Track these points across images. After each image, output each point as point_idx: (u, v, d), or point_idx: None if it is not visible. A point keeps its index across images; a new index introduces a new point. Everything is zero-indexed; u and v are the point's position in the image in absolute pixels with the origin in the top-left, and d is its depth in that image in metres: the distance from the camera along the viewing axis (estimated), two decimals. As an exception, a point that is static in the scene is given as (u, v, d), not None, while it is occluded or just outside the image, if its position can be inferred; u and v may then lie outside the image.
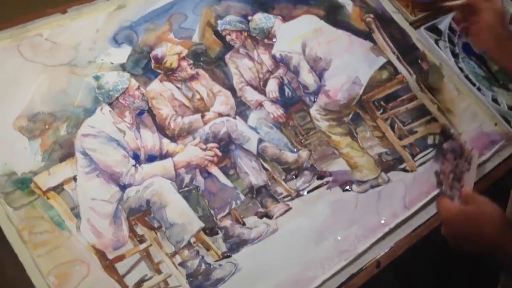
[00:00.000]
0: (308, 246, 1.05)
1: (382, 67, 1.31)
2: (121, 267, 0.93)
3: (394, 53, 1.34)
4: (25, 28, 1.08)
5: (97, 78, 1.08)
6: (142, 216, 0.99)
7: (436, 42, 1.43)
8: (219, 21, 1.24)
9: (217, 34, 1.23)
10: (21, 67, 1.04)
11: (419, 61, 1.37)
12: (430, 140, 1.26)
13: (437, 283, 1.54)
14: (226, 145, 1.11)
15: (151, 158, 1.05)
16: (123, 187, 1.00)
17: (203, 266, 0.97)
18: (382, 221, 1.12)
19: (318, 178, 1.14)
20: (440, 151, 1.03)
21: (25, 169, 0.96)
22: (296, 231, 1.06)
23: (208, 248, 1.00)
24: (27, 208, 0.93)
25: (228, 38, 1.23)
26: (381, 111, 1.27)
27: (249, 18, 1.28)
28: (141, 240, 0.97)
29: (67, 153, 1.00)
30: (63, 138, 1.01)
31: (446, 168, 1.01)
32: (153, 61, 1.14)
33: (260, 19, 1.28)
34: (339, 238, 1.08)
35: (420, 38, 1.42)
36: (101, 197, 0.98)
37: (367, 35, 1.36)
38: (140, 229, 0.98)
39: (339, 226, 1.09)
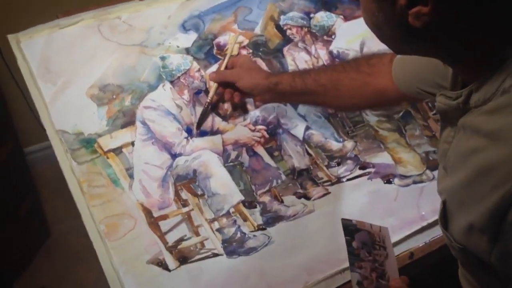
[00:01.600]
0: (341, 230, 1.08)
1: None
2: (164, 225, 1.03)
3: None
4: (107, 11, 1.22)
5: (163, 58, 1.19)
6: (187, 183, 1.08)
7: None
8: (282, 16, 1.32)
9: (279, 28, 1.31)
10: (99, 44, 1.18)
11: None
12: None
13: None
14: (274, 128, 1.18)
15: (202, 133, 1.14)
16: (174, 156, 1.10)
17: (239, 235, 1.04)
18: (421, 215, 1.13)
19: (360, 168, 1.17)
20: (352, 254, 0.93)
21: (91, 131, 1.08)
22: (331, 214, 1.11)
23: (245, 219, 1.07)
24: (89, 164, 1.05)
25: (288, 32, 1.31)
26: (434, 112, 1.28)
27: (311, 15, 1.34)
28: (184, 204, 1.06)
29: (128, 121, 1.11)
30: (127, 108, 1.12)
31: (366, 270, 0.92)
32: (215, 48, 1.24)
33: (322, 17, 1.34)
34: (373, 226, 1.10)
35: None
36: (153, 162, 1.08)
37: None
38: (184, 194, 1.07)
39: (376, 215, 1.12)
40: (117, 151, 1.08)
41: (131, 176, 1.06)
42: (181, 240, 1.02)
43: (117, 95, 1.13)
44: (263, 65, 1.25)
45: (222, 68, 1.15)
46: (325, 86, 1.06)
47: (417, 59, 0.95)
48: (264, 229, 1.06)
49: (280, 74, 1.12)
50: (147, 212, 1.03)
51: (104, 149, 1.07)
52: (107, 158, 1.07)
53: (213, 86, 1.13)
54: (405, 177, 1.18)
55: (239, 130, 1.16)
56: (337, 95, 1.07)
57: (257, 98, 1.13)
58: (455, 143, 0.72)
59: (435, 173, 1.19)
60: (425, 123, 1.26)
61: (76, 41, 1.18)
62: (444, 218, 0.75)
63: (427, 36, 0.63)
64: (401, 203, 1.15)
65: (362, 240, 0.92)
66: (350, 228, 0.92)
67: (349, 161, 1.18)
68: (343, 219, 0.93)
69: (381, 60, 1.05)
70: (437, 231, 1.13)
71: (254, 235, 1.05)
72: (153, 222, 1.02)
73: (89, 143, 1.07)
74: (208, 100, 1.13)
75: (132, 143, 1.09)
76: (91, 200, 1.02)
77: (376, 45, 1.30)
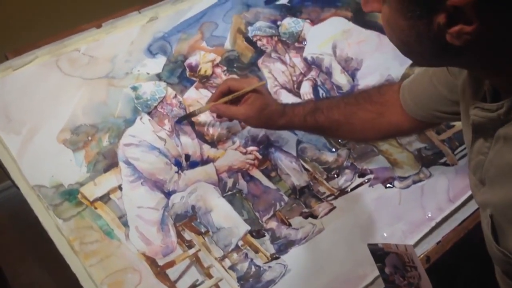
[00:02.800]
0: (355, 244, 1.04)
1: (413, 64, 1.30)
2: (172, 273, 0.93)
3: (424, 49, 1.33)
4: (62, 44, 1.10)
5: (134, 88, 1.09)
6: (188, 221, 0.99)
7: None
8: (249, 28, 1.25)
9: (248, 40, 1.24)
10: (61, 81, 1.06)
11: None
12: (468, 133, 1.24)
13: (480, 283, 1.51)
14: (265, 148, 1.11)
15: (192, 164, 1.05)
16: (167, 194, 1.00)
17: (253, 269, 0.97)
18: (428, 216, 1.10)
19: (359, 176, 1.13)
20: (387, 281, 0.91)
21: (71, 181, 0.97)
22: (341, 229, 1.06)
23: (256, 251, 0.99)
24: (76, 218, 0.94)
25: (259, 43, 1.24)
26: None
27: (279, 23, 1.29)
28: (190, 245, 0.97)
29: (110, 163, 1.00)
30: (106, 149, 1.01)
31: None
32: (187, 70, 1.15)
33: (289, 24, 1.29)
34: (385, 234, 1.07)
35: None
36: (147, 204, 0.98)
37: (396, 33, 1.36)
38: (187, 235, 0.98)
39: (384, 223, 1.08)
40: (105, 198, 0.97)
41: (125, 224, 0.95)
42: (194, 286, 0.93)
43: (93, 136, 1.02)
44: (240, 81, 1.18)
45: (225, 99, 1.01)
46: (338, 121, 1.00)
47: (424, 82, 0.92)
48: (278, 257, 1.00)
49: (291, 111, 1.01)
50: (151, 261, 0.93)
51: (90, 199, 0.96)
52: (95, 208, 0.95)
53: (206, 107, 1.04)
54: (404, 178, 1.15)
55: (231, 155, 1.08)
56: (351, 129, 1.01)
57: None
58: (493, 155, 0.70)
59: (431, 169, 1.18)
60: (410, 120, 1.23)
61: (34, 82, 1.05)
62: (494, 233, 0.71)
63: (465, 52, 0.60)
64: (406, 206, 1.12)
65: (393, 264, 0.88)
66: (379, 254, 0.88)
67: (347, 171, 1.13)
68: (369, 245, 0.89)
69: (390, 88, 1.01)
70: (445, 230, 1.11)
71: (270, 266, 0.98)
72: (160, 272, 0.93)
73: (71, 195, 0.96)
74: (196, 112, 1.06)
75: (120, 187, 0.98)
76: (87, 259, 0.90)
77: (347, 47, 1.28)
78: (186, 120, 1.07)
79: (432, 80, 0.91)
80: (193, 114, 1.06)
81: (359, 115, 0.99)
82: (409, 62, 1.29)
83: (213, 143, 1.09)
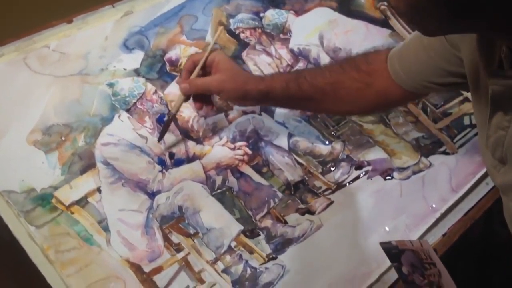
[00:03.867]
0: (357, 239, 0.97)
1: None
2: (160, 279, 0.84)
3: (413, 37, 1.28)
4: (31, 41, 1.02)
5: (111, 85, 1.01)
6: (175, 223, 0.91)
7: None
8: (231, 20, 1.19)
9: (231, 32, 1.17)
10: (30, 80, 0.98)
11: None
12: (466, 121, 1.19)
13: (480, 279, 1.45)
14: (255, 142, 1.04)
15: (178, 162, 0.97)
16: (151, 195, 0.92)
17: (249, 271, 0.88)
18: (432, 207, 1.03)
19: (356, 169, 1.06)
20: (407, 282, 0.83)
21: (44, 185, 0.88)
22: (341, 225, 0.98)
23: (251, 251, 0.91)
24: (51, 225, 0.85)
25: (242, 36, 1.17)
26: (410, 96, 1.20)
27: (261, 15, 1.22)
28: (178, 249, 0.88)
29: (87, 164, 0.92)
30: (82, 149, 0.93)
31: None
32: (168, 64, 1.08)
33: (272, 15, 1.23)
34: (387, 228, 0.99)
35: (438, 21, 1.36)
36: (129, 207, 0.90)
37: (383, 23, 1.31)
38: (175, 238, 0.89)
39: (386, 216, 1.01)
40: (82, 202, 0.88)
41: (106, 229, 0.86)
42: (185, 293, 0.84)
43: (66, 136, 0.94)
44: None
45: (195, 74, 0.90)
46: (324, 90, 0.91)
47: (417, 53, 0.86)
48: (275, 258, 0.91)
49: (270, 78, 0.92)
50: (136, 268, 0.84)
51: (66, 203, 0.87)
52: (72, 213, 0.87)
53: (179, 97, 0.91)
54: (403, 169, 1.08)
55: (218, 151, 1.00)
56: (337, 99, 0.92)
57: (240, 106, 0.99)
58: None
59: (431, 159, 1.11)
60: (405, 109, 1.17)
61: (0, 81, 0.96)
62: None
63: (486, 10, 0.52)
64: (408, 198, 1.04)
65: (410, 262, 0.80)
66: (393, 252, 0.80)
67: (343, 163, 1.06)
68: (382, 244, 0.81)
69: (378, 56, 0.94)
70: (451, 221, 1.04)
71: (266, 268, 0.90)
72: (147, 279, 0.84)
73: (44, 199, 0.87)
74: (173, 112, 0.92)
75: (98, 189, 0.90)
76: (64, 269, 0.81)
77: (334, 37, 1.22)
78: (165, 130, 0.96)
79: (428, 51, 0.84)
80: (171, 119, 0.94)
81: (346, 84, 0.92)
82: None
83: (199, 140, 1.01)
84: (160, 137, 0.95)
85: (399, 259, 0.83)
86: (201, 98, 0.91)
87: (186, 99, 0.90)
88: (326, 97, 0.92)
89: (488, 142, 0.71)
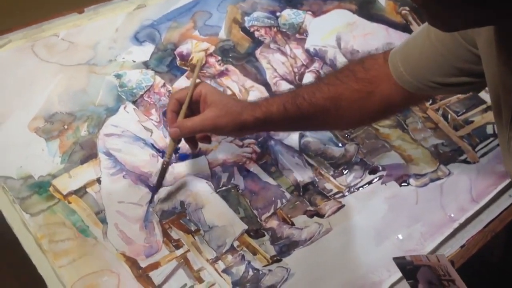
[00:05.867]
0: (368, 246, 0.91)
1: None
2: (156, 276, 0.80)
3: (436, 43, 1.23)
4: (40, 29, 1.00)
5: (118, 76, 0.98)
6: (176, 218, 0.86)
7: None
8: (246, 18, 1.16)
9: (245, 30, 1.14)
10: (36, 67, 0.96)
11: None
12: (489, 130, 1.13)
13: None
14: (264, 141, 0.99)
15: (182, 157, 0.93)
16: (153, 188, 0.88)
17: (251, 272, 0.83)
18: (450, 216, 0.97)
19: (370, 173, 1.00)
20: None
21: (42, 172, 0.85)
22: (352, 230, 0.93)
23: (254, 252, 0.86)
24: (46, 213, 0.81)
25: (257, 34, 1.14)
26: (431, 101, 1.15)
27: (278, 14, 1.19)
28: (177, 245, 0.83)
29: (89, 154, 0.89)
30: (84, 139, 0.90)
31: None
32: (178, 59, 1.05)
33: (289, 15, 1.19)
34: (401, 237, 0.93)
35: (461, 28, 1.31)
36: (129, 199, 0.86)
37: (404, 28, 1.26)
38: (175, 234, 0.85)
39: (400, 224, 0.95)
40: (81, 192, 0.84)
41: (103, 221, 0.82)
42: (181, 291, 0.79)
43: (69, 124, 0.91)
44: (236, 72, 1.07)
45: (182, 114, 0.83)
46: (324, 107, 0.85)
47: (425, 51, 0.80)
48: (280, 260, 0.86)
49: (265, 102, 0.84)
50: (132, 262, 0.80)
51: (63, 192, 0.83)
52: (69, 203, 0.83)
53: (170, 143, 0.84)
54: (420, 175, 1.02)
55: (225, 147, 0.96)
56: (339, 114, 0.86)
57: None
58: None
59: (450, 167, 1.05)
60: (424, 115, 1.12)
61: (5, 67, 0.94)
62: None
63: None
64: (424, 206, 0.99)
65: (427, 279, 0.75)
66: (408, 268, 0.75)
67: (356, 167, 1.01)
68: (395, 259, 0.76)
69: (375, 61, 0.87)
70: (470, 232, 0.98)
71: (270, 270, 0.84)
72: (142, 275, 0.79)
73: (42, 187, 0.83)
74: (167, 160, 0.85)
75: (98, 180, 0.86)
76: (57, 259, 0.77)
77: (352, 39, 1.18)
78: (162, 178, 0.87)
79: (437, 48, 0.78)
80: (165, 168, 0.86)
81: (346, 96, 0.85)
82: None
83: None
84: (157, 187, 0.87)
85: (415, 276, 0.77)
86: (194, 137, 0.86)
87: (178, 142, 0.85)
88: (328, 114, 0.86)
89: (509, 145, 0.66)
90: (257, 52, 1.12)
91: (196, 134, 0.85)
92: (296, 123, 0.88)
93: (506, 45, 0.63)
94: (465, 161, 1.07)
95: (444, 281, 0.78)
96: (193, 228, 0.86)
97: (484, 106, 1.15)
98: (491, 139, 1.11)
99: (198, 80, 0.85)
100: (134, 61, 1.01)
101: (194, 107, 0.84)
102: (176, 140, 0.84)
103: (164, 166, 0.86)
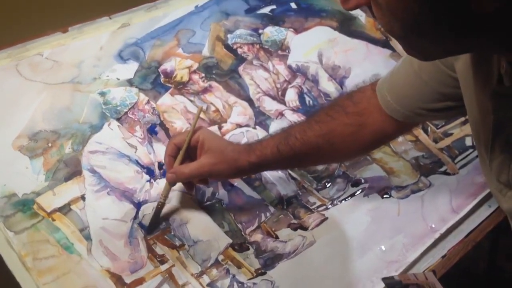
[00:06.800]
0: (351, 258, 0.92)
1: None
2: (141, 291, 0.80)
3: (415, 58, 1.26)
4: (24, 48, 1.01)
5: (102, 94, 0.99)
6: (161, 234, 0.87)
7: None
8: (229, 35, 1.18)
9: (228, 47, 1.16)
10: (20, 86, 0.96)
11: (442, 65, 1.29)
12: (468, 142, 1.15)
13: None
14: (248, 155, 1.00)
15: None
16: (137, 204, 0.88)
17: (236, 286, 0.84)
18: (431, 227, 0.99)
19: (352, 186, 1.02)
20: None
21: (26, 190, 0.85)
22: (335, 242, 0.94)
23: (239, 266, 0.86)
24: (30, 231, 0.81)
25: (240, 51, 1.16)
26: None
27: (260, 31, 1.21)
28: (162, 260, 0.84)
29: (73, 171, 0.89)
30: (68, 156, 0.91)
31: None
32: (162, 76, 1.06)
33: (271, 32, 1.21)
34: (384, 248, 0.95)
35: (440, 43, 1.34)
36: (113, 216, 0.86)
37: (384, 43, 1.29)
38: (160, 249, 0.85)
39: (383, 235, 0.97)
40: (65, 209, 0.85)
41: (87, 237, 0.83)
42: (166, 306, 0.80)
43: (53, 142, 0.91)
44: (219, 88, 1.09)
45: (179, 160, 0.86)
46: (317, 144, 0.86)
47: (409, 79, 0.82)
48: (264, 273, 0.87)
49: (259, 146, 0.87)
50: (117, 279, 0.80)
51: (47, 210, 0.84)
52: (53, 220, 0.83)
53: (166, 185, 0.86)
54: (402, 187, 1.04)
55: (209, 163, 0.97)
56: (333, 149, 0.88)
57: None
58: None
59: (430, 178, 1.07)
60: (405, 128, 1.14)
61: (-11, 87, 0.95)
62: None
63: (492, 24, 0.49)
64: (406, 217, 1.00)
65: None
66: (392, 284, 0.75)
67: (338, 180, 1.02)
68: (384, 279, 0.77)
69: (364, 94, 0.90)
70: (451, 243, 0.99)
71: (254, 283, 0.85)
72: (127, 291, 0.79)
73: (25, 205, 0.84)
74: (162, 201, 0.87)
75: (83, 197, 0.87)
76: (41, 277, 0.77)
77: (334, 55, 1.20)
78: (156, 224, 0.88)
79: (420, 76, 0.80)
80: (160, 208, 0.87)
81: (338, 131, 0.87)
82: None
83: (190, 151, 0.98)
84: (150, 229, 0.87)
85: None
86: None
87: (174, 185, 0.87)
88: (321, 151, 0.87)
89: (492, 165, 0.67)
90: (240, 68, 1.13)
91: (192, 179, 0.88)
92: (290, 162, 0.91)
93: (482, 70, 0.65)
94: (445, 173, 1.09)
95: None
96: (177, 243, 0.87)
97: (462, 119, 1.17)
98: (470, 150, 1.13)
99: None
100: (118, 79, 1.03)
101: (191, 152, 0.87)
102: (172, 184, 0.86)
103: (159, 207, 0.87)
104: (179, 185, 0.91)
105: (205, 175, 0.86)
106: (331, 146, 0.87)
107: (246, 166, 0.85)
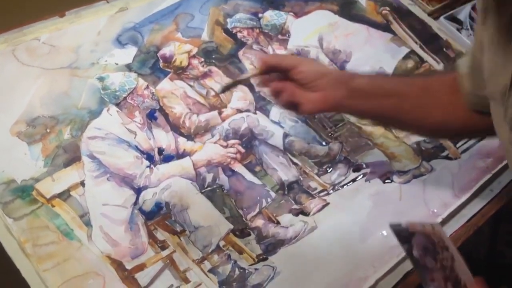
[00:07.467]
0: (353, 243, 0.92)
1: (406, 57, 1.22)
2: (142, 277, 0.80)
3: (416, 42, 1.25)
4: (21, 33, 1.00)
5: (101, 79, 0.98)
6: (161, 219, 0.86)
7: (458, 31, 1.35)
8: (228, 20, 1.16)
9: (227, 32, 1.15)
10: (17, 71, 0.95)
11: (444, 49, 1.28)
12: (470, 126, 1.14)
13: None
14: (248, 141, 1.00)
15: (167, 158, 0.93)
16: (137, 190, 0.88)
17: (237, 272, 0.84)
18: (433, 212, 0.98)
19: (354, 171, 1.01)
20: (418, 266, 0.75)
21: (25, 176, 0.84)
22: (337, 227, 0.93)
23: (240, 251, 0.86)
24: (29, 217, 0.81)
25: (239, 35, 1.14)
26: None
27: (260, 15, 1.20)
28: (163, 246, 0.83)
29: (72, 157, 0.88)
30: (67, 142, 0.90)
31: (439, 282, 0.74)
32: (161, 61, 1.05)
33: (271, 16, 1.20)
34: (385, 233, 0.94)
35: (441, 27, 1.33)
36: (113, 201, 0.86)
37: (385, 27, 1.28)
38: (160, 235, 0.85)
39: (385, 220, 0.94)
40: (64, 195, 0.84)
41: (87, 223, 0.82)
42: (168, 292, 0.79)
43: (52, 128, 0.90)
44: (219, 73, 1.08)
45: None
46: (418, 86, 0.80)
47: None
48: (266, 259, 0.86)
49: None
50: (118, 265, 0.80)
51: (47, 196, 0.83)
52: (52, 206, 0.83)
53: (255, 70, 0.80)
54: (403, 172, 1.03)
55: (209, 148, 0.96)
56: (430, 104, 0.79)
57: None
58: None
59: (432, 163, 1.06)
60: (406, 113, 1.13)
61: (-14, 72, 0.94)
62: None
63: None
64: (408, 202, 0.99)
65: (421, 245, 0.74)
66: (403, 235, 0.75)
67: (340, 165, 1.01)
68: (391, 225, 0.76)
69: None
70: (453, 227, 0.99)
71: (256, 269, 0.85)
72: (128, 276, 0.79)
73: (25, 191, 0.83)
74: (243, 77, 0.91)
75: (82, 183, 0.86)
76: (41, 263, 0.77)
77: (334, 39, 1.19)
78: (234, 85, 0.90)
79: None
80: (238, 81, 0.89)
81: (435, 87, 0.81)
82: (401, 54, 1.23)
83: (190, 136, 0.98)
84: (223, 88, 0.83)
85: (410, 241, 0.77)
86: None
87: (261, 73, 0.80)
88: (420, 98, 0.80)
89: (506, 115, 0.64)
90: (240, 53, 1.12)
91: (279, 66, 0.79)
92: (384, 97, 0.80)
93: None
94: (447, 157, 1.08)
95: (438, 248, 0.78)
96: (178, 229, 0.86)
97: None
98: (472, 135, 1.12)
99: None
100: (117, 64, 1.01)
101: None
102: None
103: (237, 80, 0.88)
104: (180, 170, 0.91)
105: (290, 66, 0.77)
106: (428, 100, 0.80)
107: (335, 75, 0.79)
